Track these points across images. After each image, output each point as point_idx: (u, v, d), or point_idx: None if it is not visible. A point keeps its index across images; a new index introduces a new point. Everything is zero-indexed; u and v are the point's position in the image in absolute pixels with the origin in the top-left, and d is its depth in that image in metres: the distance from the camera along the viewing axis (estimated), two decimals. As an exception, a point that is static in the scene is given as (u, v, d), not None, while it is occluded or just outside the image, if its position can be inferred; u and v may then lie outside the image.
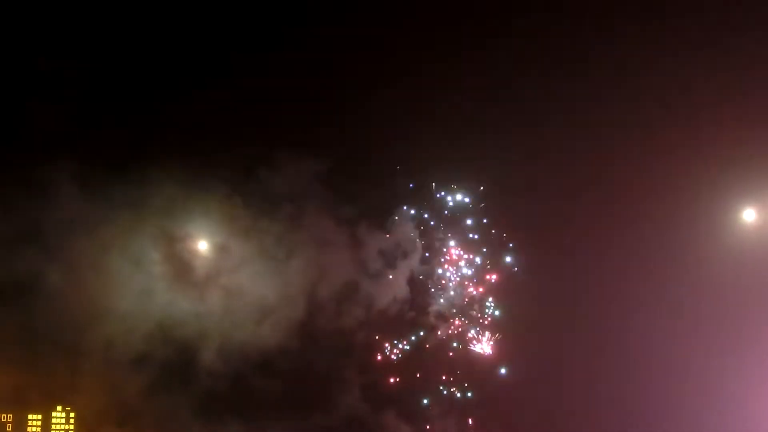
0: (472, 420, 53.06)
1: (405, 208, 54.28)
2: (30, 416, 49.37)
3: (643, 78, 51.78)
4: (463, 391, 53.36)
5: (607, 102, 51.74)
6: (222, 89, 52.70)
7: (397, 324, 53.34)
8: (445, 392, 53.16)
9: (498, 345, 53.87)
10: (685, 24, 50.65)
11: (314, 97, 52.91)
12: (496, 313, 54.20)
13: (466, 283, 54.60)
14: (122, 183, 49.13)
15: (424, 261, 54.41)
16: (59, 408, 49.90)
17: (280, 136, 52.51)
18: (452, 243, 54.86)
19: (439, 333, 53.64)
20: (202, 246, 51.58)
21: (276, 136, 52.47)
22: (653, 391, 52.95)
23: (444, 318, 53.98)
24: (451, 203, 54.99)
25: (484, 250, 54.71)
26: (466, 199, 54.87)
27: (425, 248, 54.46)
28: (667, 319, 53.04)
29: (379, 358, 53.34)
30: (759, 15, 49.30)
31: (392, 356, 53.35)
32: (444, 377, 53.27)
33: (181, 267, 50.90)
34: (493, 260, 54.61)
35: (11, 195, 47.30)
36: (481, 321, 54.04)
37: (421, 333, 53.65)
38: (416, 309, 53.79)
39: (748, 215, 51.94)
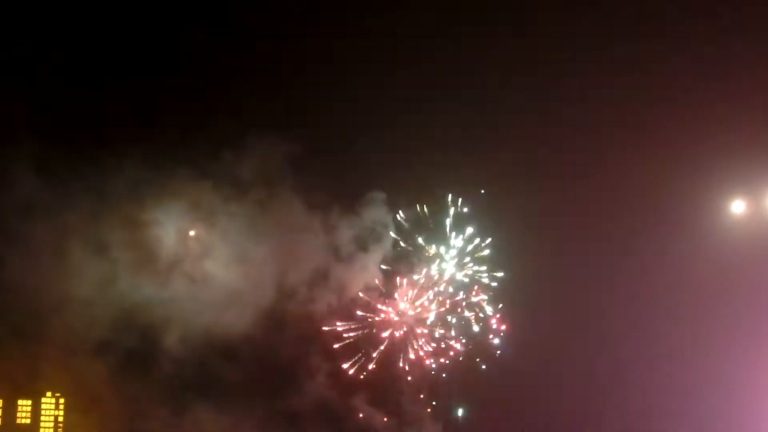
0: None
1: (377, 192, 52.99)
2: (20, 402, 51.92)
3: (633, 75, 50.48)
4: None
5: (596, 99, 50.92)
6: (189, 69, 52.25)
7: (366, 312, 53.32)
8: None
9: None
10: (675, 22, 49.09)
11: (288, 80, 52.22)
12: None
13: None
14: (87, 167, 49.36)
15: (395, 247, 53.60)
16: (48, 394, 52.19)
17: (249, 118, 51.92)
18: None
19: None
20: (175, 232, 51.93)
21: (245, 119, 51.94)
22: (635, 385, 53.02)
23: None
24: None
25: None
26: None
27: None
28: (654, 311, 52.58)
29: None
30: (747, 15, 47.43)
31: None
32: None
33: (158, 253, 51.73)
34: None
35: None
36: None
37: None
38: (385, 297, 53.45)
39: (737, 207, 48.73)
